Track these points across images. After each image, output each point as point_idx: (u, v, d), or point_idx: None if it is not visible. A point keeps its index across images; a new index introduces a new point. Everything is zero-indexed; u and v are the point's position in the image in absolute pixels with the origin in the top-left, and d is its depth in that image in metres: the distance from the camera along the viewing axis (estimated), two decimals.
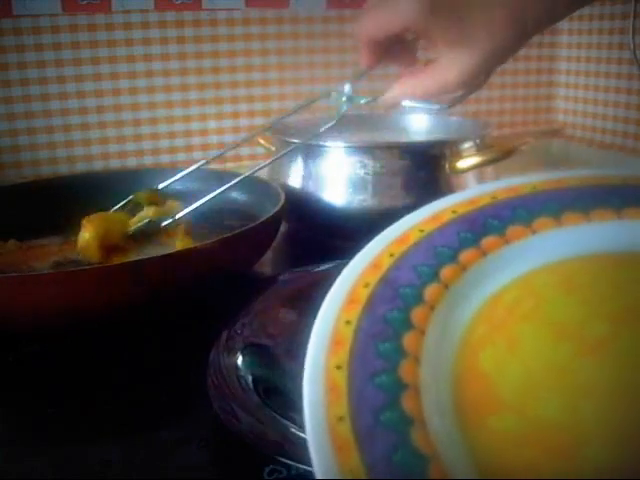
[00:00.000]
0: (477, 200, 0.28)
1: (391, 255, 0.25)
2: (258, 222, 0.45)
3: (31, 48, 0.78)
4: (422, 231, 0.27)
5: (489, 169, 0.59)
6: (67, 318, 0.39)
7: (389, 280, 0.24)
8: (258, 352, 0.34)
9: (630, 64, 0.86)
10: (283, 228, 0.53)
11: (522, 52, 1.02)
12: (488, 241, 0.26)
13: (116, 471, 0.30)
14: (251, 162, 0.88)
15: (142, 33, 0.81)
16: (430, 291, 0.24)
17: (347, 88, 0.47)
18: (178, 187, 0.61)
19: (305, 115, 0.87)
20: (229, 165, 0.88)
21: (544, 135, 1.02)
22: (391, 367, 0.21)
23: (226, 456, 0.31)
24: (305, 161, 0.58)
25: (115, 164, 0.85)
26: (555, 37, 1.00)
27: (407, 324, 0.22)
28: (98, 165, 0.84)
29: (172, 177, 0.56)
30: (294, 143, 0.58)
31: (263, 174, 0.63)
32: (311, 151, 0.58)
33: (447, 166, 0.55)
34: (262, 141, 0.66)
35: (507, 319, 0.23)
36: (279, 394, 0.31)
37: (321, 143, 0.57)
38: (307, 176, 0.58)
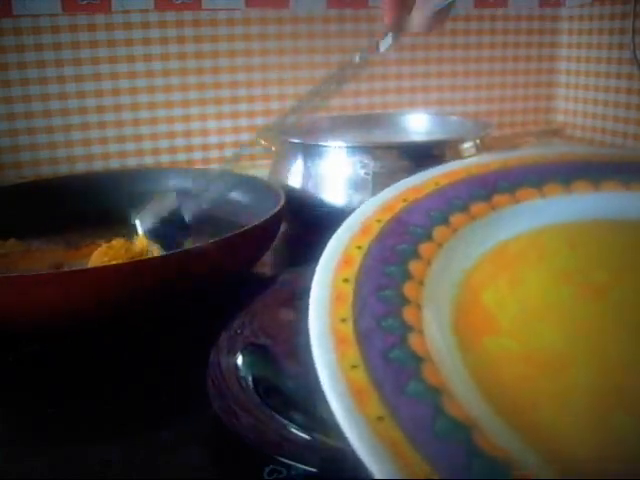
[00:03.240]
0: (490, 164, 0.30)
1: (404, 200, 0.27)
2: (258, 222, 0.45)
3: (31, 48, 0.78)
4: (437, 184, 0.28)
5: None
6: (67, 318, 0.39)
7: (401, 219, 0.25)
8: (258, 352, 0.34)
9: (630, 64, 0.86)
10: (283, 228, 0.53)
11: (522, 52, 1.03)
12: (498, 198, 0.28)
13: (116, 471, 0.30)
14: (251, 162, 0.88)
15: (142, 33, 0.81)
16: (439, 231, 0.25)
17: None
18: (178, 187, 0.61)
19: (305, 115, 0.87)
20: (230, 165, 0.88)
21: (544, 135, 1.02)
22: (395, 285, 0.22)
23: (226, 456, 0.31)
24: (305, 161, 0.58)
25: (115, 164, 0.85)
26: (555, 37, 1.00)
27: (414, 255, 0.24)
28: (98, 165, 0.84)
29: (172, 177, 0.56)
30: (294, 143, 0.58)
31: (263, 174, 0.63)
32: (311, 151, 0.58)
33: None
34: (262, 141, 0.66)
35: (511, 264, 0.25)
36: (279, 394, 0.31)
37: (321, 143, 0.58)
38: (307, 176, 0.58)
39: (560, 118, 1.04)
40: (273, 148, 0.64)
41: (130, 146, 0.85)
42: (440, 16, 0.44)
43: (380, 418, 0.16)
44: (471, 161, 0.30)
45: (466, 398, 0.18)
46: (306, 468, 0.28)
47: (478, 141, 0.59)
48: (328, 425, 0.31)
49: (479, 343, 0.21)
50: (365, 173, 0.55)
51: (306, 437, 0.29)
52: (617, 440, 0.17)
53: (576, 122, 1.00)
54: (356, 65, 0.48)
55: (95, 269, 0.40)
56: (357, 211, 0.26)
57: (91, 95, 0.82)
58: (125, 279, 0.38)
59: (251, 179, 0.59)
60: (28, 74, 0.78)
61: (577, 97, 1.00)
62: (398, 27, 0.45)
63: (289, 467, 0.28)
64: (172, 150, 0.87)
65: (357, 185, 0.56)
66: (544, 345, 0.21)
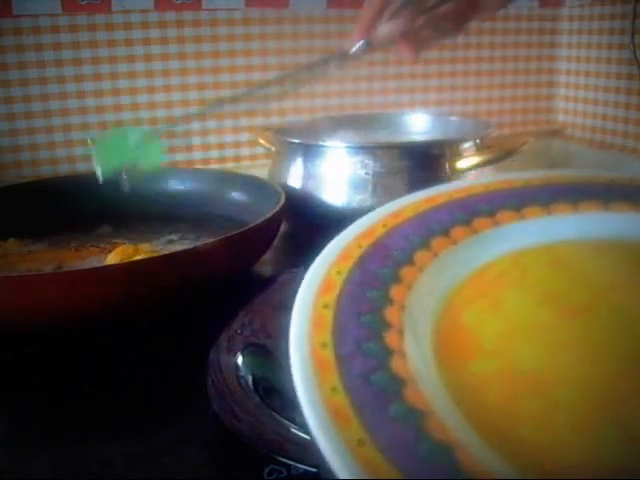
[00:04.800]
0: (471, 188, 0.30)
1: (384, 225, 0.27)
2: (258, 222, 0.45)
3: (31, 48, 0.78)
4: (417, 209, 0.29)
5: (489, 169, 0.59)
6: (67, 318, 0.39)
7: (382, 244, 0.26)
8: (258, 352, 0.34)
9: (630, 64, 0.86)
10: (283, 228, 0.53)
11: (522, 52, 1.03)
12: (479, 221, 0.28)
13: (116, 471, 0.30)
14: (251, 162, 0.88)
15: (142, 33, 0.81)
16: (420, 256, 0.25)
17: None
18: (179, 187, 0.61)
19: (305, 115, 0.87)
20: (229, 165, 0.88)
21: (544, 135, 1.02)
22: (376, 309, 0.22)
23: (226, 456, 0.31)
24: (305, 161, 0.58)
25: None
26: (555, 37, 1.00)
27: (395, 279, 0.24)
28: None
29: (172, 177, 0.56)
30: (294, 143, 0.58)
31: (263, 174, 0.63)
32: (311, 151, 0.58)
33: (447, 166, 0.55)
34: (262, 141, 0.66)
35: (493, 285, 0.25)
36: (279, 394, 0.31)
37: (321, 143, 0.58)
38: (307, 176, 0.58)
39: (560, 118, 1.04)
40: (273, 148, 0.64)
41: None
42: (421, 37, 0.45)
43: (361, 442, 0.16)
44: (452, 186, 0.31)
45: (449, 420, 0.18)
46: (306, 468, 0.28)
47: (478, 141, 0.59)
48: None
49: (461, 365, 0.21)
50: (365, 173, 0.55)
51: (306, 437, 0.29)
52: (597, 457, 0.17)
53: (576, 122, 1.00)
54: (322, 64, 0.49)
55: (95, 269, 0.40)
56: (338, 237, 0.26)
57: (91, 95, 0.82)
58: (125, 279, 0.38)
59: (251, 179, 0.59)
60: (28, 74, 0.78)
61: (577, 97, 0.99)
62: (369, 38, 0.46)
63: (289, 467, 0.28)
64: (172, 150, 0.87)
65: (357, 185, 0.56)
66: (526, 365, 0.21)
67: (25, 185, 0.64)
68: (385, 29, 0.44)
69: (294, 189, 0.58)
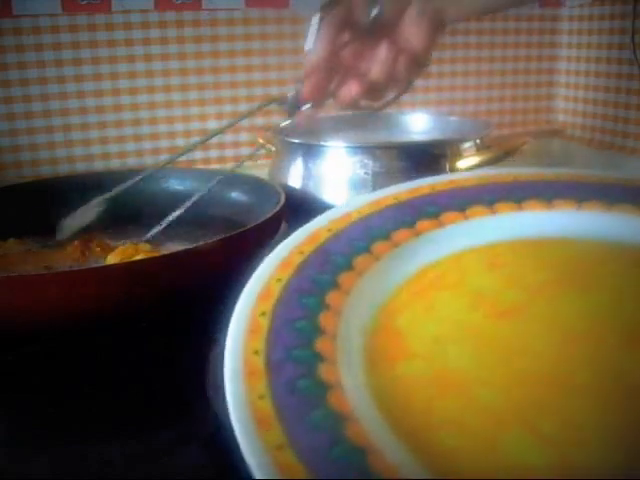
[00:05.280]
0: (418, 189, 0.30)
1: (329, 230, 0.27)
2: (258, 222, 0.45)
3: (31, 48, 0.78)
4: (361, 213, 0.29)
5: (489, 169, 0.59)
6: (67, 318, 0.39)
7: (323, 250, 0.26)
8: None
9: (630, 64, 0.86)
10: (283, 228, 0.53)
11: (522, 52, 1.03)
12: (423, 224, 0.28)
13: (116, 471, 0.30)
14: (251, 162, 0.88)
15: (142, 33, 0.81)
16: (360, 260, 0.25)
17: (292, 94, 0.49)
18: (178, 187, 0.61)
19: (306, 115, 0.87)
20: (229, 165, 0.88)
21: (544, 135, 1.02)
22: (310, 315, 0.22)
23: (226, 456, 0.31)
24: (305, 161, 0.58)
25: (115, 164, 0.85)
26: (555, 37, 1.00)
27: (333, 285, 0.24)
28: (98, 165, 0.84)
29: (172, 177, 0.56)
30: (294, 143, 0.58)
31: (263, 174, 0.63)
32: (311, 151, 0.58)
33: (447, 166, 0.55)
34: (262, 141, 0.66)
35: (429, 288, 0.25)
36: None
37: (321, 143, 0.58)
38: (307, 176, 0.58)
39: (560, 118, 1.04)
40: (273, 148, 0.64)
41: (130, 146, 0.85)
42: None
43: (280, 447, 0.17)
44: (399, 188, 0.31)
45: (369, 423, 0.18)
46: None
47: (478, 141, 0.59)
48: None
49: (391, 367, 0.21)
50: (365, 173, 0.55)
51: None
52: (512, 459, 0.18)
53: (576, 122, 1.00)
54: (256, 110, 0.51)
55: (95, 269, 0.40)
56: (282, 244, 0.26)
57: (91, 95, 0.82)
58: (125, 279, 0.38)
59: (251, 179, 0.59)
60: (28, 74, 0.78)
61: (577, 97, 0.99)
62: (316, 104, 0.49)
63: None
64: (172, 150, 0.87)
65: (357, 185, 0.56)
66: (450, 367, 0.21)
67: (25, 185, 0.64)
68: (307, 61, 0.48)
69: (294, 189, 0.58)
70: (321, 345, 0.21)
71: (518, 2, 0.56)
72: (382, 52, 0.46)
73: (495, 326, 0.23)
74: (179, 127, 0.87)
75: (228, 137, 0.89)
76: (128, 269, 0.39)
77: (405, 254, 0.27)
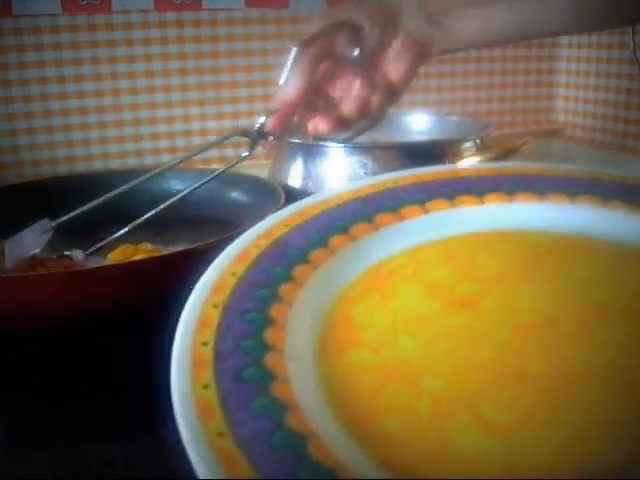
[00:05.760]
0: (379, 184, 0.30)
1: (287, 225, 0.27)
2: (258, 222, 0.45)
3: (31, 48, 0.78)
4: (321, 207, 0.29)
5: None
6: (67, 318, 0.39)
7: (279, 243, 0.26)
8: None
9: (630, 64, 0.86)
10: None
11: (522, 52, 1.02)
12: (382, 217, 0.28)
13: (116, 471, 0.30)
14: (251, 162, 0.88)
15: (142, 33, 0.81)
16: (316, 254, 0.26)
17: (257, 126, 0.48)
18: (178, 187, 0.61)
19: None
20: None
21: (544, 135, 1.02)
22: (262, 307, 0.22)
23: None
24: (305, 161, 0.58)
25: (115, 164, 0.85)
26: (555, 37, 1.00)
27: (287, 277, 0.24)
28: (98, 165, 0.84)
29: (172, 177, 0.55)
30: (294, 143, 0.58)
31: (263, 174, 0.63)
32: (311, 151, 0.58)
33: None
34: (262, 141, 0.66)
35: (386, 280, 0.25)
36: None
37: (321, 143, 0.58)
38: (307, 176, 0.58)
39: (560, 118, 1.04)
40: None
41: (130, 146, 0.85)
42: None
43: (220, 434, 0.17)
44: (360, 182, 0.31)
45: (313, 412, 0.18)
46: None
47: (478, 141, 0.59)
48: None
49: (341, 357, 0.21)
50: (364, 173, 0.55)
51: None
52: (455, 442, 0.18)
53: (576, 122, 1.00)
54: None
55: (94, 269, 0.40)
56: (238, 239, 0.26)
57: (91, 95, 0.82)
58: (125, 279, 0.38)
59: (251, 179, 0.59)
60: (28, 74, 0.78)
61: (577, 97, 0.99)
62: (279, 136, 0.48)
63: None
64: (172, 150, 0.87)
65: None
66: (399, 356, 0.21)
67: (25, 185, 0.64)
68: (279, 95, 0.46)
69: (294, 189, 0.58)
70: (270, 335, 0.21)
71: (506, 41, 0.55)
72: (357, 88, 0.45)
73: (448, 316, 0.23)
74: (179, 127, 0.87)
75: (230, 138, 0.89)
76: (128, 269, 0.39)
77: (363, 248, 0.27)
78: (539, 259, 0.26)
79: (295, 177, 0.59)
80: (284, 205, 0.49)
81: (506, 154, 0.54)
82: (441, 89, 0.96)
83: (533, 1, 0.43)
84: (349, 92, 0.45)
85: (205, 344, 0.20)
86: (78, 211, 0.46)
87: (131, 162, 0.86)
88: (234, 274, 0.24)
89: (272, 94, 0.47)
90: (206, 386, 0.19)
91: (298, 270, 0.25)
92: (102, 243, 0.47)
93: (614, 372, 0.19)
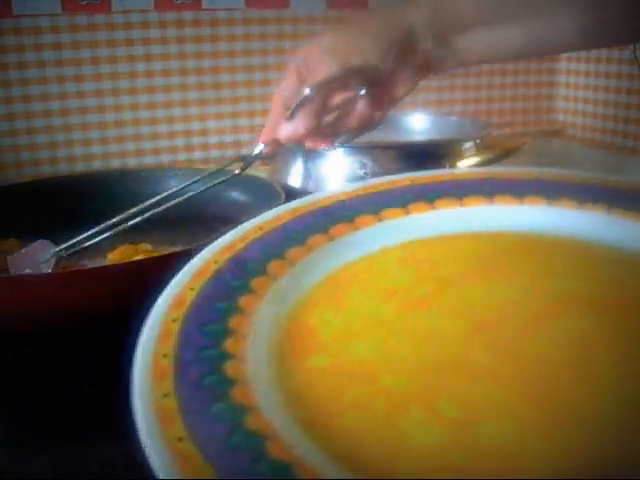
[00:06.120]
0: (331, 197, 0.31)
1: (243, 240, 0.28)
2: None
3: (31, 48, 0.78)
4: (279, 221, 0.30)
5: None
6: (67, 318, 0.39)
7: (237, 258, 0.26)
8: None
9: (630, 64, 0.86)
10: None
11: None
12: (337, 228, 0.29)
13: (116, 471, 0.30)
14: None
15: (142, 33, 0.81)
16: (274, 266, 0.26)
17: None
18: (178, 187, 0.61)
19: None
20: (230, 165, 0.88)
21: (544, 135, 1.02)
22: (221, 319, 0.23)
23: None
24: (305, 161, 0.58)
25: (115, 164, 0.85)
26: None
27: (246, 289, 0.25)
28: (98, 165, 0.84)
29: (172, 177, 0.55)
30: (294, 143, 0.58)
31: (263, 174, 0.63)
32: (311, 151, 0.58)
33: (447, 166, 0.55)
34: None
35: (344, 287, 0.26)
36: None
37: None
38: (307, 176, 0.58)
39: (560, 118, 1.04)
40: None
41: (130, 146, 0.85)
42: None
43: (180, 439, 0.18)
44: (315, 196, 0.32)
45: (274, 413, 0.19)
46: None
47: (478, 141, 0.59)
48: None
49: (301, 362, 0.22)
50: (364, 173, 0.55)
51: None
52: (410, 436, 0.18)
53: (576, 122, 1.00)
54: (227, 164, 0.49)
55: (95, 269, 0.40)
56: (197, 256, 0.27)
57: (91, 95, 0.82)
58: (125, 279, 0.38)
59: (251, 179, 0.59)
60: (28, 74, 0.78)
61: (577, 97, 1.00)
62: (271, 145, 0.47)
63: None
64: (172, 150, 0.87)
65: None
66: (357, 358, 0.22)
67: (25, 185, 0.64)
68: (286, 131, 0.45)
69: (294, 189, 0.58)
70: (230, 345, 0.22)
71: (517, 58, 0.54)
72: (361, 106, 0.44)
73: (405, 317, 0.24)
74: (179, 127, 0.87)
75: (228, 137, 0.89)
76: (128, 269, 0.39)
77: (320, 257, 0.28)
78: (492, 259, 0.27)
79: (295, 177, 0.59)
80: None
81: (506, 154, 0.54)
82: (441, 89, 0.96)
83: (541, 20, 0.43)
84: (352, 108, 0.45)
85: (165, 356, 0.21)
86: (84, 235, 0.46)
87: (131, 162, 0.86)
88: (193, 289, 0.25)
89: (268, 110, 0.47)
90: (166, 395, 0.19)
91: (257, 282, 0.25)
92: (100, 237, 0.47)
93: (564, 365, 0.20)
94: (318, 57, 0.43)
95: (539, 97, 1.03)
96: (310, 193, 0.57)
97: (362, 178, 0.55)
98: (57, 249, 0.46)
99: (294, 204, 0.31)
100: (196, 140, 0.88)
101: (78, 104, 0.81)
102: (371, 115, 0.45)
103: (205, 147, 0.89)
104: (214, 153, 0.89)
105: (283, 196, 0.51)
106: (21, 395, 0.37)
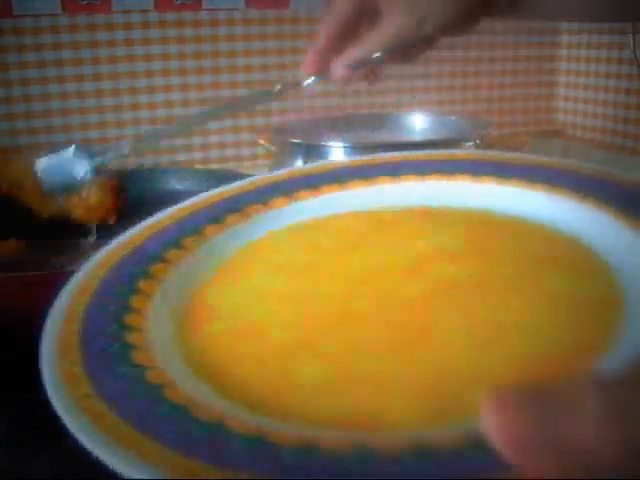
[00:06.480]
0: (224, 192, 0.35)
1: (142, 235, 0.31)
2: None
3: (31, 48, 0.78)
4: (173, 217, 0.32)
5: None
6: None
7: (137, 250, 0.29)
8: None
9: (630, 64, 0.86)
10: None
11: (523, 52, 1.02)
12: (229, 218, 0.32)
13: (116, 471, 0.30)
14: (252, 162, 0.88)
15: (142, 33, 0.81)
16: (171, 253, 0.29)
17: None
18: (178, 187, 0.61)
19: (305, 115, 0.87)
20: (230, 165, 0.88)
21: (544, 135, 1.02)
22: (122, 300, 0.25)
23: None
24: (305, 161, 0.58)
25: (115, 164, 0.85)
26: (555, 37, 1.00)
27: (145, 274, 0.27)
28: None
29: (172, 177, 0.56)
30: (294, 143, 0.58)
31: (263, 174, 0.63)
32: (311, 151, 0.58)
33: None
34: (262, 141, 0.66)
35: (238, 267, 0.29)
36: None
37: (321, 143, 0.58)
38: None
39: (560, 118, 1.04)
40: (273, 148, 0.64)
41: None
42: (367, 69, 0.46)
43: (87, 395, 0.20)
44: (207, 194, 0.34)
45: (173, 369, 0.22)
46: None
47: (478, 141, 0.59)
48: None
49: (197, 331, 0.25)
50: None
51: None
52: (296, 376, 0.21)
53: (576, 122, 1.00)
54: (275, 94, 0.50)
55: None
56: (103, 248, 0.29)
57: (91, 95, 0.82)
58: None
59: None
60: (28, 74, 0.78)
61: (577, 97, 1.00)
62: (318, 75, 0.46)
63: None
64: (172, 150, 0.87)
65: None
66: (250, 320, 0.25)
67: None
68: (338, 71, 0.44)
69: None
70: (133, 319, 0.24)
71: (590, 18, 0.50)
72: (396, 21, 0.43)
73: (291, 285, 0.27)
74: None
75: (229, 137, 0.89)
76: None
77: (215, 244, 0.31)
78: (366, 236, 0.30)
79: None
80: None
81: None
82: (441, 89, 0.96)
83: None
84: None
85: (71, 334, 0.23)
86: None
87: (131, 162, 0.86)
88: (97, 277, 0.27)
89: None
90: (73, 363, 0.21)
91: (155, 268, 0.28)
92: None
93: (433, 304, 0.24)
94: None
95: (539, 97, 1.03)
96: None
97: None
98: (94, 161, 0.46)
99: (188, 202, 0.34)
100: (196, 140, 0.88)
101: (78, 104, 0.82)
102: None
103: (205, 147, 0.89)
104: (214, 153, 0.89)
105: None
106: (21, 395, 0.37)
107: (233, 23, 0.85)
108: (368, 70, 0.46)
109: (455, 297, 0.24)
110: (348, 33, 0.45)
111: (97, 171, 0.46)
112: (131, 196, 0.56)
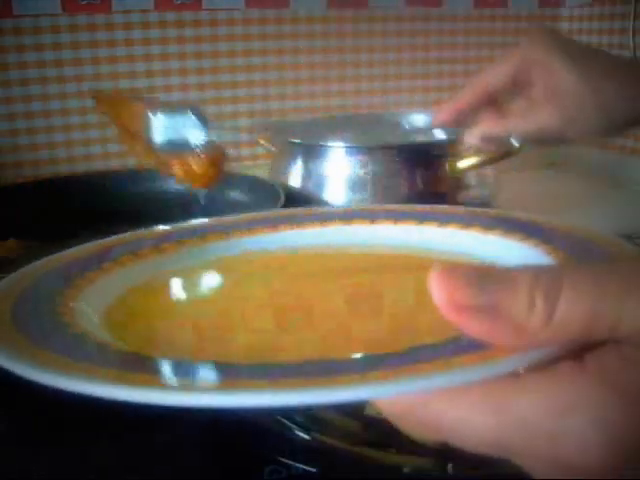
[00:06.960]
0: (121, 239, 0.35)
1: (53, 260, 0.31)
2: None
3: (31, 48, 0.78)
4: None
5: (489, 169, 0.59)
6: None
7: (59, 270, 0.29)
8: None
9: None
10: None
11: None
12: (123, 258, 0.32)
13: (116, 471, 0.30)
14: (252, 162, 0.88)
15: (142, 33, 0.81)
16: (92, 274, 0.29)
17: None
18: (179, 187, 0.61)
19: (305, 115, 0.87)
20: (230, 165, 0.88)
21: None
22: (51, 301, 0.26)
23: (226, 456, 0.31)
24: (305, 161, 0.58)
25: (115, 164, 0.85)
26: None
27: (69, 286, 0.27)
28: (98, 165, 0.84)
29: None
30: (294, 143, 0.58)
31: (263, 174, 0.63)
32: (311, 151, 0.58)
33: (447, 166, 0.56)
34: (262, 141, 0.66)
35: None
36: None
37: (321, 143, 0.58)
38: (307, 176, 0.58)
39: None
40: (273, 148, 0.64)
41: None
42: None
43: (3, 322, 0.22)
44: (106, 239, 0.35)
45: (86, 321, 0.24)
46: (306, 468, 0.28)
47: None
48: (328, 425, 0.31)
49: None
50: (365, 173, 0.55)
51: (306, 437, 0.29)
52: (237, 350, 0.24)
53: None
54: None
55: None
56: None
57: (91, 95, 0.82)
58: None
59: (251, 179, 0.60)
60: (28, 74, 0.78)
61: None
62: (446, 126, 0.49)
63: (289, 467, 0.28)
64: None
65: (356, 185, 0.56)
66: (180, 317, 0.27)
67: (25, 185, 0.64)
68: (474, 138, 0.47)
69: (294, 189, 0.58)
70: (61, 309, 0.25)
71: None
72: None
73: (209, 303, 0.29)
74: None
75: (228, 137, 0.89)
76: None
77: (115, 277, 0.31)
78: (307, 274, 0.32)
79: (295, 177, 0.59)
80: (284, 205, 0.50)
81: (506, 154, 0.55)
82: (441, 89, 0.96)
83: None
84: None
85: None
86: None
87: (131, 162, 0.86)
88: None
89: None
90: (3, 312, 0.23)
91: (76, 282, 0.28)
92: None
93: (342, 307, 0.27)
94: (553, 79, 0.43)
95: None
96: (310, 193, 0.58)
97: (362, 178, 0.55)
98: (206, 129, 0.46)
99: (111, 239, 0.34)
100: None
101: (78, 104, 0.81)
102: None
103: None
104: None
105: (283, 196, 0.51)
106: (21, 395, 0.37)
107: (233, 23, 0.85)
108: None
109: (360, 298, 0.28)
110: (492, 101, 0.47)
111: (207, 140, 0.45)
112: (131, 196, 0.56)
